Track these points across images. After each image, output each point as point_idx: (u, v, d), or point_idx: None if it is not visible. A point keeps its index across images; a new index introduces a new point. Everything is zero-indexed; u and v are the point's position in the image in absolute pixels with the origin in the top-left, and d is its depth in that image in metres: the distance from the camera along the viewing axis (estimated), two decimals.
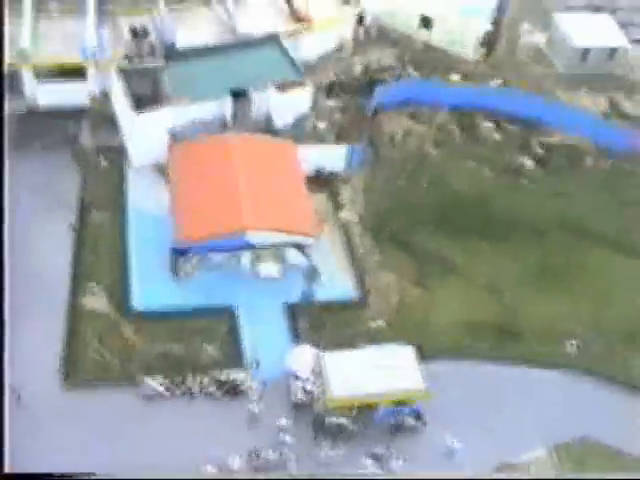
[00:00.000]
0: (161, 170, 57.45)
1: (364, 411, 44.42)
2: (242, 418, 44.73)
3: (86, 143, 60.61)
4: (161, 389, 45.91)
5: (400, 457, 42.78)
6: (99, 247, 53.87)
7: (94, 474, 29.62)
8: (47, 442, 43.15)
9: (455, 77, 68.40)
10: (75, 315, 49.50)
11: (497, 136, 64.31)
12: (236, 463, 42.16)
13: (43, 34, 62.55)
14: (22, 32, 61.46)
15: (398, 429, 44.68)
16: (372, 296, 51.96)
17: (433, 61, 69.60)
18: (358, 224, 56.53)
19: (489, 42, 71.01)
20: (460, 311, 51.62)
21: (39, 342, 47.73)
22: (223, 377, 46.51)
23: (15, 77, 60.92)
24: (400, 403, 44.52)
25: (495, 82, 68.16)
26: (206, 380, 46.32)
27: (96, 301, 50.35)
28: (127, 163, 59.09)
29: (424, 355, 46.57)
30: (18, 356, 46.46)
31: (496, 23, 71.03)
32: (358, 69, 67.75)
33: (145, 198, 56.54)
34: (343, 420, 44.11)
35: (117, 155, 59.46)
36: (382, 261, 54.25)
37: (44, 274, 51.44)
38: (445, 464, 43.63)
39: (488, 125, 64.74)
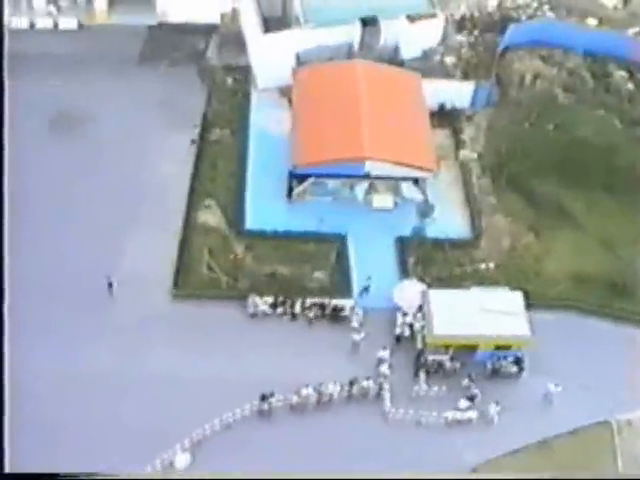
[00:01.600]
0: (285, 93, 57.42)
1: (465, 351, 43.99)
2: (343, 345, 44.76)
3: (213, 61, 60.95)
4: (266, 308, 46.34)
5: (497, 402, 42.14)
6: (218, 164, 54.53)
7: (96, 474, 29.95)
8: (152, 346, 44.38)
9: (591, 21, 65.64)
10: (189, 228, 50.41)
11: (630, 86, 61.40)
12: (334, 389, 42.33)
13: None
14: None
15: (497, 373, 44.02)
16: (484, 238, 50.95)
17: (570, 3, 66.89)
18: (478, 164, 55.33)
19: None
20: (572, 262, 50.04)
21: (153, 250, 48.88)
22: (329, 302, 46.49)
23: None
24: (501, 348, 43.87)
25: (633, 30, 65.11)
26: (310, 302, 46.42)
27: (211, 216, 51.03)
28: (252, 83, 59.16)
29: (531, 302, 45.62)
30: (131, 261, 48.21)
31: None
32: (492, 5, 65.72)
33: (267, 120, 56.72)
34: (442, 358, 43.79)
35: (242, 75, 59.67)
36: (498, 203, 53.04)
37: (164, 186, 52.54)
38: (541, 412, 42.93)
39: (621, 74, 61.85)
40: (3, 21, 25.37)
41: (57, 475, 25.30)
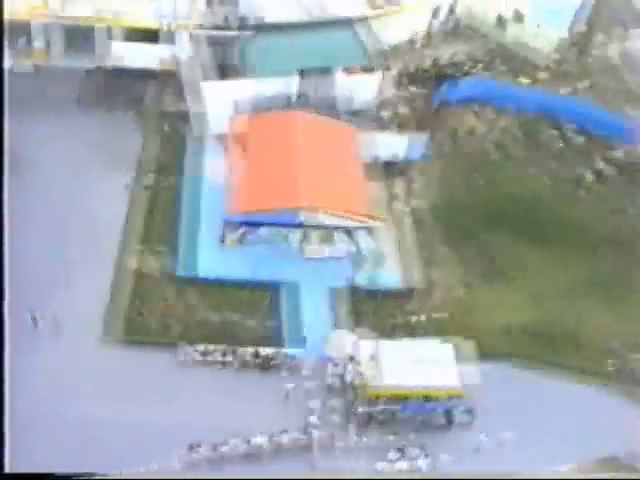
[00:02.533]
0: (222, 140, 57.39)
1: (395, 402, 43.71)
2: (273, 394, 44.22)
3: (151, 106, 60.66)
4: (197, 356, 45.73)
5: (426, 454, 42.00)
6: (153, 210, 54.04)
7: (95, 474, 29.47)
8: (80, 389, 43.41)
9: (524, 80, 67.16)
10: (121, 273, 49.72)
11: (560, 145, 62.97)
12: (261, 441, 41.79)
13: None
14: None
15: (427, 424, 43.97)
16: (417, 289, 51.16)
17: (504, 62, 68.43)
18: (410, 216, 55.78)
19: (582, 44, 69.64)
20: (502, 315, 50.31)
21: (85, 294, 47.95)
22: (260, 351, 46.12)
23: (88, 34, 61.14)
24: (431, 399, 43.84)
25: (565, 90, 66.72)
26: (242, 351, 45.95)
27: (144, 262, 50.45)
28: (189, 130, 59.04)
29: (460, 353, 45.69)
30: (63, 304, 47.20)
31: (571, 31, 69.60)
32: (428, 61, 66.89)
33: (203, 166, 56.53)
34: (373, 409, 43.54)
35: (180, 121, 59.53)
36: (430, 256, 53.39)
37: (97, 230, 51.74)
38: (471, 463, 42.62)
39: (552, 133, 63.40)
40: (3, 24, 24.87)
41: (57, 475, 24.88)
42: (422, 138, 59.15)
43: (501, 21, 70.21)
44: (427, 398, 43.66)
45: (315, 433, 42.40)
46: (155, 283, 49.44)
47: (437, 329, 48.52)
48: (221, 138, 57.52)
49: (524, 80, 67.05)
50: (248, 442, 41.63)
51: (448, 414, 44.00)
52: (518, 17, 69.57)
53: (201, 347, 45.86)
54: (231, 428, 41.85)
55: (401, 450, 42.22)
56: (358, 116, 59.52)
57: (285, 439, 41.93)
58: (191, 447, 40.94)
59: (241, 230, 51.96)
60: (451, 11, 70.42)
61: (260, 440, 41.79)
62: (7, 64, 61.69)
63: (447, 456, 42.36)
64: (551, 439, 43.39)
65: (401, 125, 60.65)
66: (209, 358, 45.78)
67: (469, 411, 44.24)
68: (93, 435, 41.25)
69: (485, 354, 47.20)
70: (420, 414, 43.84)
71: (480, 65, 67.71)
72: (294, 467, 41.45)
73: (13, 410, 36.23)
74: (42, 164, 55.42)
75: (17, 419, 36.43)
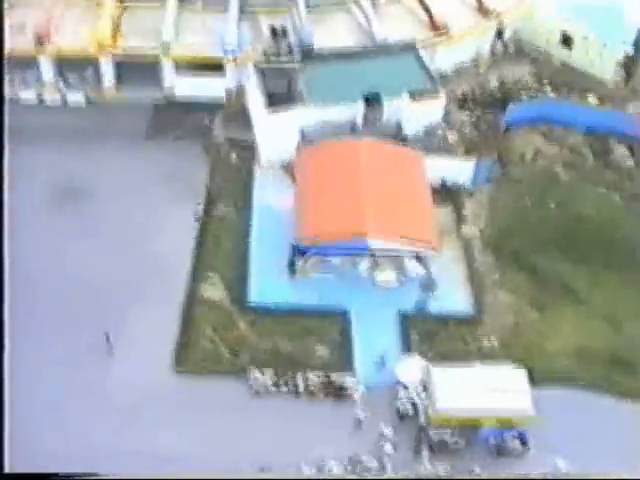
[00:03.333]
0: (288, 169, 57.93)
1: (468, 429, 43.52)
2: (345, 422, 44.31)
3: (218, 136, 61.56)
4: (269, 384, 46.05)
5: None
6: (221, 239, 54.64)
7: (97, 474, 29.71)
8: (151, 420, 44.16)
9: (592, 99, 66.55)
10: (192, 303, 50.28)
11: (630, 163, 62.06)
12: (335, 468, 41.81)
13: (185, 28, 63.99)
14: (165, 25, 63.02)
15: (502, 451, 43.53)
16: (487, 314, 50.85)
17: (570, 81, 67.87)
18: (479, 240, 55.49)
19: (629, 66, 68.73)
20: (575, 339, 49.77)
21: (155, 325, 48.75)
22: (331, 379, 46.25)
23: (156, 68, 62.52)
24: (505, 424, 43.44)
25: (634, 107, 65.85)
26: (313, 379, 46.16)
27: (213, 291, 51.02)
28: (256, 159, 59.75)
29: (534, 379, 45.29)
30: (134, 331, 48.17)
31: (637, 47, 68.73)
32: (493, 84, 66.74)
33: (270, 195, 57.10)
34: (446, 436, 43.35)
35: (247, 151, 60.22)
36: (501, 280, 53.03)
37: (167, 260, 52.53)
38: None
39: (622, 151, 62.56)
40: (3, 24, 25.59)
41: (57, 475, 25.03)
42: (489, 161, 59.01)
43: (566, 40, 69.66)
44: (501, 424, 43.34)
45: (388, 461, 42.41)
46: (225, 312, 49.86)
47: (509, 354, 48.11)
48: (287, 167, 58.17)
49: (592, 99, 66.43)
50: (320, 469, 41.75)
51: (522, 439, 43.52)
52: (583, 36, 68.87)
53: (272, 375, 46.16)
54: (302, 456, 42.04)
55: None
56: (424, 141, 59.58)
57: (358, 468, 41.93)
58: (262, 470, 41.16)
59: (309, 258, 52.32)
60: (514, 32, 70.23)
61: (333, 467, 41.90)
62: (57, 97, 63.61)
63: None
64: (624, 464, 42.77)
65: (467, 149, 60.47)
66: (280, 386, 46.10)
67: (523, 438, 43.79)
68: (164, 465, 41.46)
69: (557, 378, 47.01)
70: (494, 440, 43.52)
71: (546, 85, 67.26)
72: None
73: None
74: (113, 195, 56.76)
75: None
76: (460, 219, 56.86)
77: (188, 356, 47.52)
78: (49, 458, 36.35)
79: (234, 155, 60.22)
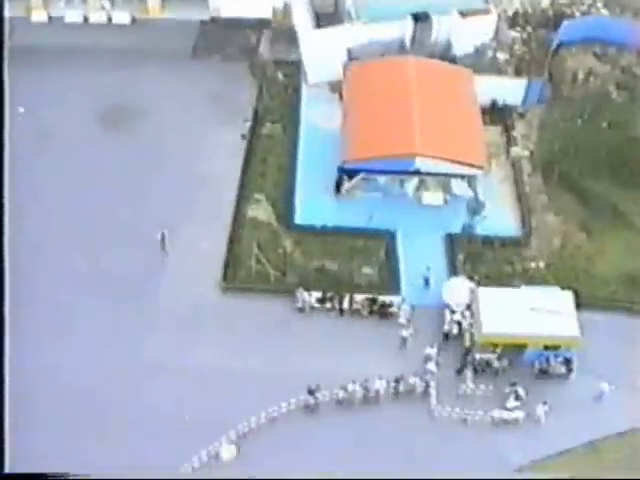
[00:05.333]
0: (336, 88, 57.25)
1: (513, 350, 43.33)
2: (390, 341, 44.41)
3: (264, 56, 60.94)
4: (313, 302, 46.21)
5: (545, 402, 41.48)
6: (268, 159, 54.52)
7: (103, 474, 29.96)
8: (199, 338, 44.62)
9: None
10: (239, 222, 50.39)
11: None
12: (380, 386, 42.08)
13: None
14: None
15: (545, 373, 43.28)
16: (535, 236, 50.25)
17: (624, 0, 65.67)
18: (529, 161, 54.59)
19: None
20: (623, 263, 49.02)
21: (202, 244, 49.13)
22: (377, 298, 46.16)
23: None
24: (550, 348, 43.15)
25: None
26: (358, 298, 46.14)
27: (260, 211, 50.93)
28: (303, 78, 59.09)
29: (580, 302, 44.82)
30: (181, 253, 48.63)
31: None
32: (545, 1, 64.78)
33: (317, 115, 56.62)
34: (490, 357, 43.24)
35: (293, 70, 59.67)
36: (549, 202, 52.23)
37: (214, 180, 52.63)
38: (589, 413, 42.01)
39: None
40: (3, 22, 25.33)
41: (57, 475, 25.14)
42: (540, 81, 57.67)
43: None
44: (546, 347, 43.11)
45: (432, 380, 42.53)
46: (272, 232, 49.84)
47: (555, 277, 47.64)
48: (334, 86, 57.45)
49: None
50: (366, 388, 42.01)
51: (567, 363, 43.33)
52: None
53: (318, 294, 46.25)
54: (348, 374, 42.09)
55: (519, 398, 41.82)
56: (474, 60, 58.27)
57: (402, 386, 42.15)
58: (310, 391, 41.49)
59: (356, 178, 51.94)
60: None
61: (378, 385, 42.03)
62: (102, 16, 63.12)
63: (566, 406, 41.94)
64: None
65: (518, 68, 59.00)
66: (326, 305, 46.23)
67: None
68: (212, 382, 42.21)
69: (603, 303, 46.57)
70: (538, 363, 43.34)
71: (600, 4, 65.20)
72: (411, 414, 41.62)
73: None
74: (158, 116, 56.75)
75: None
76: (510, 140, 55.96)
77: (235, 275, 47.77)
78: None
79: (281, 75, 59.66)
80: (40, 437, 38.73)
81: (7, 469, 24.90)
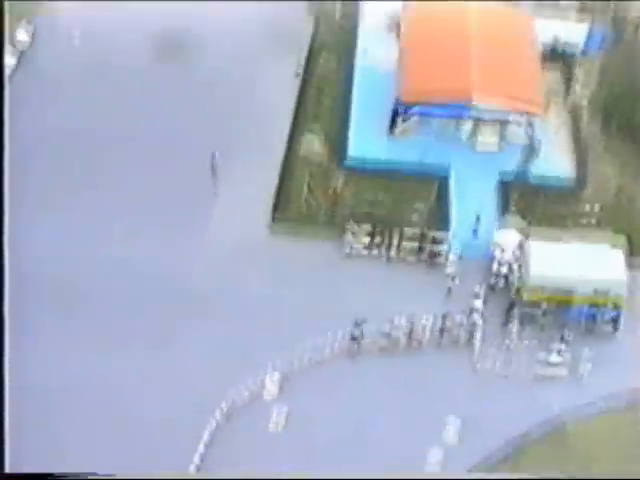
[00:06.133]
0: (393, 27, 55.97)
1: (559, 305, 42.79)
2: (436, 289, 44.02)
3: None
4: (362, 246, 45.92)
5: (588, 359, 41.14)
6: (322, 96, 53.77)
7: (96, 474, 30.08)
8: (246, 274, 44.60)
9: None
10: (290, 159, 49.99)
11: None
12: (424, 333, 42.02)
13: None
14: None
15: (591, 330, 42.84)
16: (589, 183, 49.27)
17: None
18: (587, 107, 53.23)
19: None
20: None
21: (253, 181, 48.77)
22: (425, 243, 45.80)
23: None
24: (597, 304, 42.66)
25: None
26: (406, 245, 45.74)
27: (312, 148, 50.51)
28: (360, 14, 57.80)
29: (633, 252, 44.19)
30: (231, 188, 48.34)
31: None
32: None
33: (373, 53, 55.42)
34: (536, 312, 42.85)
35: (351, 7, 58.36)
36: (606, 149, 51.11)
37: (266, 115, 52.09)
38: (633, 372, 41.30)
39: None
40: (3, 22, 24.97)
41: (57, 475, 25.46)
42: (602, 26, 55.95)
43: None
44: (592, 303, 42.62)
45: (476, 332, 42.26)
46: (324, 170, 49.44)
47: (608, 225, 46.82)
48: (392, 25, 56.22)
49: None
50: (411, 325, 41.94)
51: (614, 321, 42.80)
52: None
53: (366, 236, 45.95)
54: (394, 310, 42.06)
55: (562, 354, 41.55)
56: (535, 2, 56.37)
57: (445, 336, 42.06)
58: (356, 324, 41.44)
59: (411, 118, 51.10)
60: None
61: (422, 332, 42.03)
62: None
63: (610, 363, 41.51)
64: None
65: (581, 12, 57.17)
66: (373, 249, 46.00)
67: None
68: (256, 317, 42.43)
69: None
70: (584, 320, 42.92)
71: None
72: (454, 364, 41.53)
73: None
74: (210, 46, 55.38)
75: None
76: (569, 85, 54.50)
77: (285, 211, 47.55)
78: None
79: (338, 12, 58.39)
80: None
81: (7, 469, 25.43)
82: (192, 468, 36.88)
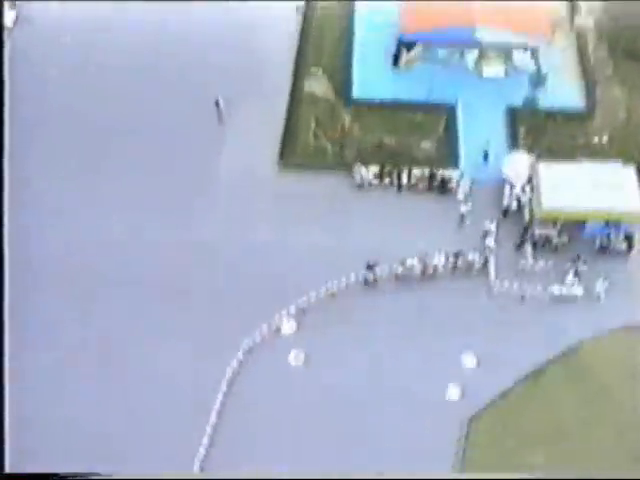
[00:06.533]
0: None
1: (573, 226, 42.46)
2: (449, 217, 43.79)
3: None
4: (371, 177, 45.52)
5: (604, 278, 40.74)
6: (325, 33, 53.07)
7: (98, 474, 29.71)
8: (257, 214, 44.53)
9: None
10: (296, 97, 49.43)
11: None
12: (438, 260, 41.76)
13: None
14: None
15: (606, 249, 42.43)
16: (598, 109, 48.58)
17: None
18: (594, 32, 52.37)
19: None
20: None
21: (259, 119, 48.44)
22: (436, 173, 45.21)
23: None
24: (611, 223, 42.22)
25: None
26: (416, 173, 45.29)
27: (317, 85, 49.98)
28: None
29: None
30: (237, 130, 48.05)
31: None
32: None
33: None
34: (550, 232, 42.42)
35: None
36: (614, 74, 50.42)
37: (269, 54, 51.60)
38: None
39: None
40: (3, 23, 24.51)
41: (57, 475, 25.29)
42: None
43: None
44: (607, 222, 42.15)
45: (491, 256, 42.00)
46: (330, 106, 48.90)
47: (618, 151, 46.22)
48: None
49: None
50: (424, 263, 41.66)
51: (629, 239, 42.40)
52: None
53: (376, 169, 45.48)
54: (406, 250, 41.66)
55: (578, 274, 41.19)
56: None
57: (460, 260, 41.75)
58: (368, 266, 41.27)
59: (415, 50, 50.42)
60: None
61: (437, 260, 41.68)
62: None
63: (626, 283, 41.34)
64: None
65: None
66: (384, 181, 45.55)
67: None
68: (270, 257, 42.43)
69: None
70: (599, 239, 42.49)
71: None
72: (470, 290, 41.31)
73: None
74: None
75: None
76: (574, 9, 53.59)
77: (292, 150, 47.07)
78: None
79: None
80: None
81: (7, 469, 25.26)
82: (216, 404, 37.36)
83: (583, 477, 33.42)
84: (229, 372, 38.32)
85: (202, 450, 36.15)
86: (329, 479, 33.67)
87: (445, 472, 35.91)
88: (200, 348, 39.11)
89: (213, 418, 37.02)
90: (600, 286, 40.57)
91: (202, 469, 35.64)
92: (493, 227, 42.69)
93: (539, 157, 44.78)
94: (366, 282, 41.51)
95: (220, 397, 37.60)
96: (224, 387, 37.89)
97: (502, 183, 44.46)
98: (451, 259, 41.71)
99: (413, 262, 41.50)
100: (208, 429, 36.65)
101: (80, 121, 48.39)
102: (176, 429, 36.51)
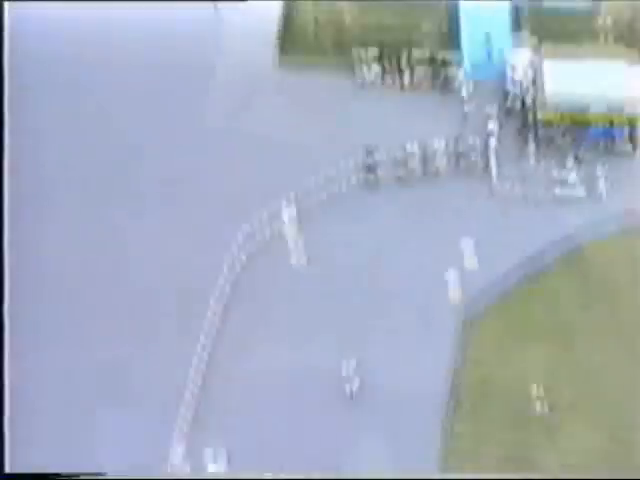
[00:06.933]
0: None
1: (577, 127, 42.27)
2: (451, 116, 43.30)
3: None
4: (373, 75, 44.81)
5: (607, 178, 40.97)
6: None
7: (103, 474, 29.41)
8: (258, 108, 43.90)
9: None
10: None
11: None
12: (439, 145, 41.71)
13: None
14: None
15: (609, 150, 42.38)
16: (605, 6, 47.46)
17: None
18: None
19: None
20: None
21: (257, 11, 46.35)
22: (435, 64, 44.67)
23: None
24: (616, 123, 42.01)
25: None
26: (419, 71, 44.61)
27: None
28: None
29: None
30: (235, 33, 46.20)
31: None
32: None
33: None
34: (553, 132, 42.34)
35: None
36: None
37: None
38: None
39: None
40: (3, 23, 23.45)
41: (57, 475, 25.35)
42: None
43: None
44: (611, 122, 41.94)
45: (493, 156, 41.96)
46: None
47: (627, 43, 45.28)
48: None
49: None
50: (424, 151, 41.60)
51: (632, 139, 42.33)
52: None
53: (377, 67, 44.75)
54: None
55: (579, 173, 41.39)
56: None
57: (462, 161, 41.65)
58: (368, 152, 41.28)
59: None
60: None
61: (437, 145, 41.62)
62: None
63: (629, 183, 41.48)
64: None
65: None
66: (386, 78, 44.84)
67: None
68: (270, 152, 42.20)
69: None
70: (603, 140, 42.43)
71: None
72: (472, 190, 41.43)
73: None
74: None
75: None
76: None
77: (292, 44, 46.04)
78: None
79: None
80: None
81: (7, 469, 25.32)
82: (219, 308, 37.74)
83: (583, 477, 34.54)
84: (226, 269, 38.84)
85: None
86: (329, 479, 34.45)
87: (445, 368, 36.90)
88: (194, 249, 39.53)
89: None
90: (602, 186, 40.77)
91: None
92: (495, 127, 42.44)
93: (543, 52, 43.92)
94: (368, 181, 41.42)
95: (224, 299, 38.23)
96: (227, 289, 38.46)
97: (505, 82, 43.79)
98: (453, 158, 41.58)
99: (414, 160, 41.34)
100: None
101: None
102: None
